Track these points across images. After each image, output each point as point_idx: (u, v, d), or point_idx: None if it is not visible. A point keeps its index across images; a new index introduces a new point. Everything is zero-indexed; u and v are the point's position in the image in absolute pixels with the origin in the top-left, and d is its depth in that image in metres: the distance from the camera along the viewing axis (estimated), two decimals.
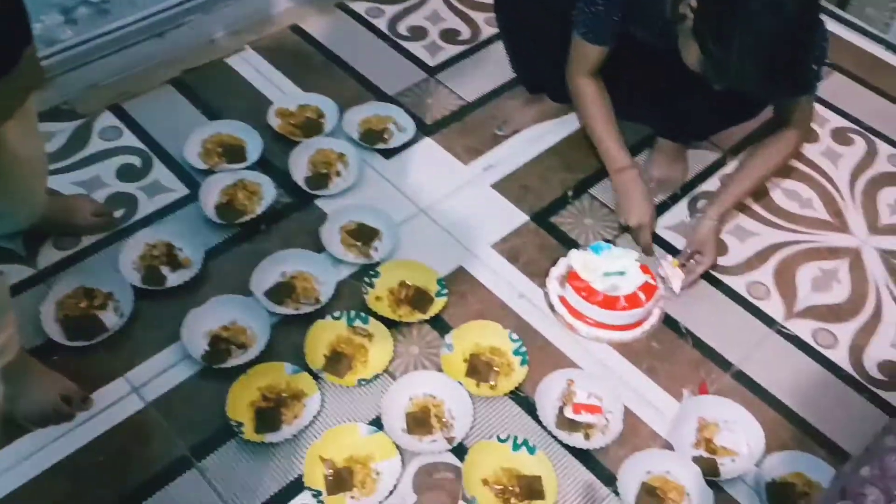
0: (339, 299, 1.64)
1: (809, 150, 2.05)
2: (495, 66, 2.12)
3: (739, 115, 1.80)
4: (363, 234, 1.75)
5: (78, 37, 1.94)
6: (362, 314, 1.60)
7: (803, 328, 1.69)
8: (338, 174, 1.86)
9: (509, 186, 1.90)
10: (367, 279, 1.66)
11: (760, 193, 1.93)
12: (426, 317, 1.62)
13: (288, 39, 2.17)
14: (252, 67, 2.08)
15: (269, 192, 1.78)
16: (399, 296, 1.65)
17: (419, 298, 1.65)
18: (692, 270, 1.73)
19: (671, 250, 1.80)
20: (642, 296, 1.61)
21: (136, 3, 1.99)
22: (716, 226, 1.75)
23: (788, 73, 1.42)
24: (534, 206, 1.86)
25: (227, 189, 1.78)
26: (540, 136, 2.01)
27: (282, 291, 1.62)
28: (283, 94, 2.02)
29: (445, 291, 1.65)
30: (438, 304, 1.64)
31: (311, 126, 1.94)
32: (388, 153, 1.93)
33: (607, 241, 1.78)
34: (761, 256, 1.81)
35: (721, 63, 1.41)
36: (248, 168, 1.83)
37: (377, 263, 1.69)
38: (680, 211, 1.89)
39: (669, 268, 1.73)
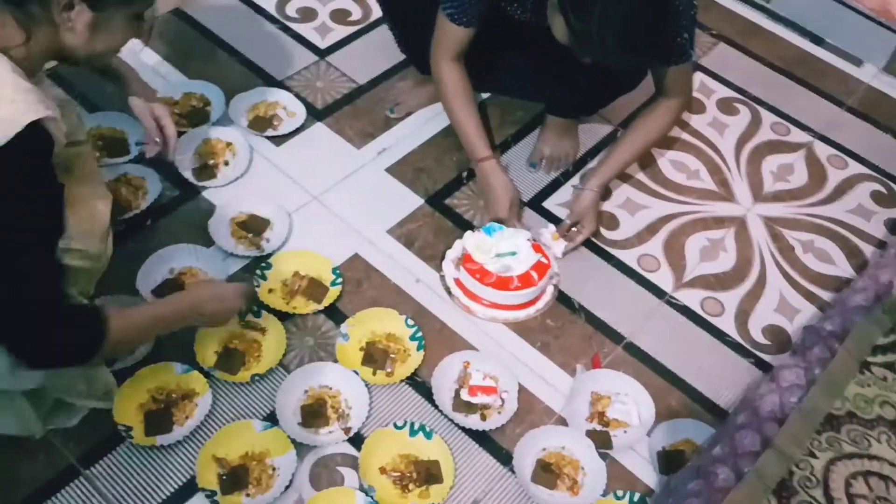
0: None
1: (696, 120, 2.10)
2: (386, 48, 2.09)
3: (621, 87, 1.82)
4: (254, 226, 1.71)
5: None
6: (254, 308, 1.57)
7: (692, 298, 1.74)
8: (226, 164, 1.81)
9: (403, 170, 1.89)
10: (258, 272, 1.63)
11: (648, 165, 1.97)
12: (321, 307, 1.60)
13: (170, 24, 2.10)
14: (132, 54, 1.99)
15: (154, 186, 1.73)
16: (293, 287, 1.62)
17: (313, 288, 1.63)
18: (572, 239, 1.75)
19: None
20: (535, 275, 1.63)
21: None
22: (595, 196, 1.77)
23: (651, 44, 1.45)
24: (429, 189, 1.86)
25: (109, 184, 1.71)
26: (433, 117, 2.00)
27: (169, 289, 1.58)
28: (167, 82, 1.96)
29: (340, 280, 1.64)
30: (333, 294, 1.62)
31: (197, 115, 1.88)
32: (279, 140, 1.89)
33: (499, 220, 1.79)
34: (651, 229, 1.86)
35: (583, 36, 1.42)
36: (130, 161, 1.77)
37: (269, 255, 1.67)
38: (571, 187, 1.91)
39: (549, 238, 1.75)
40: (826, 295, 1.78)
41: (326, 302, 1.61)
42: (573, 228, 1.76)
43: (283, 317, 1.57)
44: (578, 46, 1.45)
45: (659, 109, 1.75)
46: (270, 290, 1.62)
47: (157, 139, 1.57)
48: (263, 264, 1.65)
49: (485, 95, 2.07)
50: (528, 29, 1.68)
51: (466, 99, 1.76)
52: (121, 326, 1.20)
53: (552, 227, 1.77)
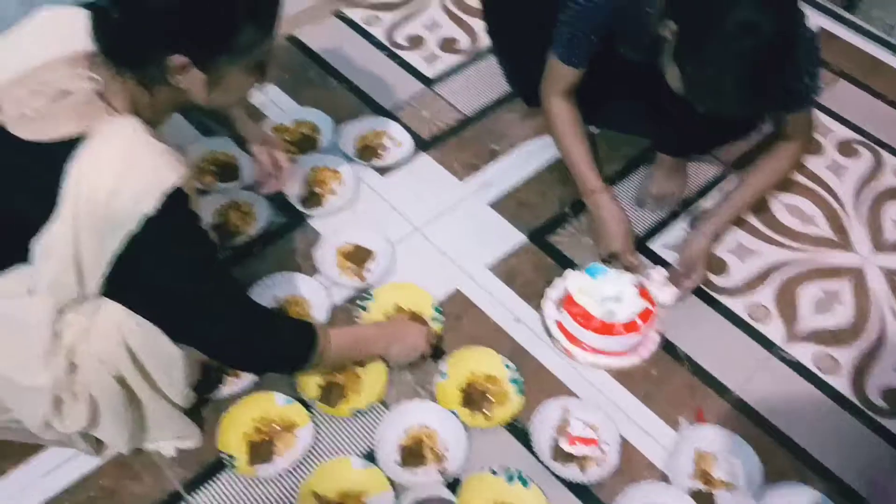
0: (332, 324, 1.62)
1: (813, 162, 2.02)
2: (493, 77, 2.09)
3: (738, 132, 1.76)
4: (357, 256, 1.73)
5: None
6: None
7: (804, 352, 1.67)
8: (332, 192, 1.83)
9: (506, 204, 1.87)
10: (360, 302, 1.64)
11: (761, 208, 1.90)
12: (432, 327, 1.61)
13: (283, 50, 2.14)
14: None
15: (262, 212, 1.76)
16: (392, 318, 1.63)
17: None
18: (681, 287, 1.70)
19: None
20: (639, 321, 1.59)
21: None
22: (708, 243, 1.71)
23: (772, 92, 1.39)
24: (531, 225, 1.84)
25: (221, 210, 1.76)
26: (537, 150, 1.97)
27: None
28: (279, 108, 1.99)
29: (442, 318, 1.63)
30: (434, 329, 1.62)
31: (307, 142, 1.92)
32: (384, 170, 1.90)
33: (605, 260, 1.76)
34: (762, 276, 1.79)
35: (699, 87, 1.38)
36: (242, 188, 1.81)
37: (371, 286, 1.68)
38: (680, 228, 1.86)
39: (658, 282, 1.70)
40: None
41: None
42: (682, 275, 1.71)
43: None
44: (694, 97, 1.41)
45: (778, 153, 1.68)
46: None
47: (275, 176, 1.60)
48: (366, 295, 1.66)
49: (591, 129, 2.03)
50: (640, 69, 1.64)
51: (577, 132, 1.74)
52: (327, 341, 1.35)
53: (662, 270, 1.71)
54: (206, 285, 1.17)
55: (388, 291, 1.67)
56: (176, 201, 1.08)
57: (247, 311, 1.24)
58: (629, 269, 1.69)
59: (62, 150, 1.05)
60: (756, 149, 1.94)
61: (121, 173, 1.04)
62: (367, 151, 1.91)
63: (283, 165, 1.63)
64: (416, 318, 1.63)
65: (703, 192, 1.93)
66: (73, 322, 1.14)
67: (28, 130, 1.07)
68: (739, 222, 1.86)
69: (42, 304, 1.11)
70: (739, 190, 1.73)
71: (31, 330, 1.12)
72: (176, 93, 1.15)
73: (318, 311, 1.62)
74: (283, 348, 1.32)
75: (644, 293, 1.63)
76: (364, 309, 1.64)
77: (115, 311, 1.15)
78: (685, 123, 1.72)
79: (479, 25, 2.24)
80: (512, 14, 1.74)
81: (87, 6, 1.10)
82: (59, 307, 1.12)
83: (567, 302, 1.62)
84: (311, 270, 1.69)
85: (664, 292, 1.67)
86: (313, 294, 1.65)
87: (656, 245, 1.82)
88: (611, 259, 1.71)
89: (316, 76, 2.09)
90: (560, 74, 1.68)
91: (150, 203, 1.05)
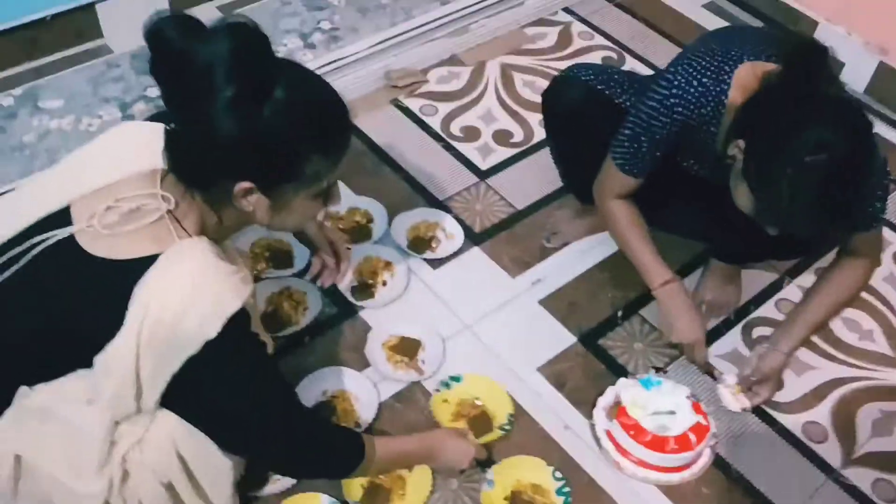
0: (379, 421, 1.60)
1: None
2: (546, 172, 2.08)
3: (798, 250, 1.73)
4: (407, 348, 1.72)
5: None
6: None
7: (862, 477, 1.61)
8: (384, 284, 1.83)
9: (557, 303, 1.86)
10: (446, 380, 1.66)
11: None
12: (477, 442, 1.57)
13: None
14: None
15: (314, 302, 1.77)
16: (463, 410, 1.63)
17: (480, 422, 1.62)
18: (752, 399, 1.66)
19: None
20: (693, 437, 1.55)
21: None
22: (785, 360, 1.66)
23: (845, 214, 1.35)
24: (582, 327, 1.82)
25: (273, 297, 1.76)
26: (589, 249, 1.97)
27: (322, 413, 1.59)
28: None
29: (509, 428, 1.62)
30: (493, 436, 1.60)
31: (360, 231, 1.93)
32: (436, 263, 1.90)
33: (658, 368, 1.73)
34: (818, 393, 1.74)
35: (770, 206, 1.36)
36: (294, 275, 1.82)
37: (427, 378, 1.68)
38: (733, 338, 1.83)
39: (730, 390, 1.67)
40: None
41: (484, 440, 1.58)
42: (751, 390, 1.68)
43: None
44: (763, 217, 1.40)
45: (848, 269, 1.63)
46: (445, 401, 1.64)
47: (332, 266, 1.61)
48: (454, 377, 1.67)
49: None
50: (702, 181, 1.63)
51: (641, 227, 1.71)
52: (374, 452, 1.35)
53: (733, 377, 1.68)
54: (261, 403, 1.17)
55: (476, 382, 1.68)
56: (237, 324, 1.09)
57: (299, 426, 1.24)
58: (700, 363, 1.66)
59: (132, 270, 1.06)
60: (813, 257, 1.92)
61: (187, 298, 1.05)
62: (420, 243, 1.92)
63: (344, 259, 1.64)
64: (483, 417, 1.62)
65: (758, 300, 1.90)
66: (128, 433, 1.14)
67: (99, 247, 1.09)
68: (816, 332, 1.82)
69: (100, 416, 1.11)
70: (813, 305, 1.67)
71: (87, 438, 1.12)
72: (242, 214, 1.16)
73: (366, 409, 1.61)
74: (332, 460, 1.33)
75: (698, 407, 1.59)
76: (448, 387, 1.66)
77: (169, 422, 1.15)
78: (748, 235, 1.70)
79: (533, 119, 2.26)
80: (573, 117, 1.75)
81: (165, 124, 1.12)
82: (117, 419, 1.12)
83: (619, 413, 1.59)
84: (361, 363, 1.68)
85: (735, 399, 1.64)
86: (362, 390, 1.64)
87: (709, 355, 1.79)
88: (683, 349, 1.70)
89: (371, 164, 2.11)
90: (617, 181, 1.66)
91: (213, 328, 1.06)
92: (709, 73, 1.46)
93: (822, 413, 1.71)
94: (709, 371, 1.73)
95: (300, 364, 1.67)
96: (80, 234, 1.11)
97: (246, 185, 1.10)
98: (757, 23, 2.62)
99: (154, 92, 2.08)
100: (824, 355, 1.81)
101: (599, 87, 1.73)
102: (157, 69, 1.07)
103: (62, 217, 1.13)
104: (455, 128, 2.23)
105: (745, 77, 1.42)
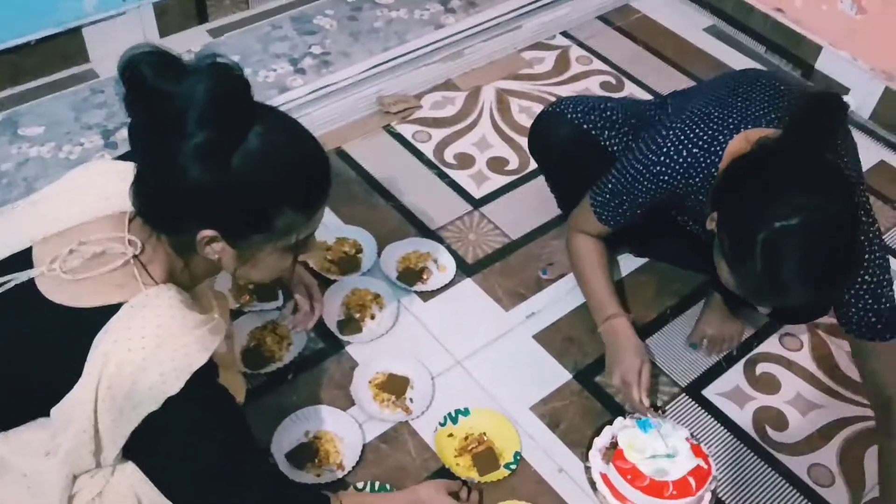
0: (363, 464, 1.53)
1: None
2: (542, 201, 2.03)
3: (806, 316, 1.66)
4: (393, 386, 1.65)
5: None
6: (386, 486, 1.49)
7: None
8: (372, 317, 1.77)
9: (552, 338, 1.79)
10: (452, 413, 1.60)
11: (823, 356, 1.79)
12: (477, 479, 1.52)
13: (332, 164, 2.11)
14: None
15: (299, 337, 1.70)
16: (469, 445, 1.56)
17: (485, 458, 1.55)
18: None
19: (723, 419, 1.67)
20: (692, 482, 1.47)
21: None
22: None
23: (831, 283, 1.24)
24: (578, 363, 1.75)
25: (256, 332, 1.70)
26: None
27: (304, 455, 1.52)
28: (322, 225, 1.94)
29: (515, 467, 1.55)
30: (499, 475, 1.53)
31: (348, 262, 1.86)
32: (427, 295, 1.84)
33: (656, 407, 1.66)
34: (824, 434, 1.67)
35: (749, 281, 1.26)
36: (278, 308, 1.75)
37: (415, 418, 1.61)
38: (735, 375, 1.76)
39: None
40: None
41: (487, 479, 1.52)
42: None
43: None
44: (746, 293, 1.30)
45: None
46: (450, 435, 1.57)
47: (307, 309, 1.54)
48: (462, 410, 1.61)
49: (642, 261, 1.96)
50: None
51: (599, 261, 1.63)
52: None
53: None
54: (221, 465, 1.09)
55: (485, 416, 1.62)
56: (201, 378, 1.02)
57: (259, 490, 1.15)
58: (636, 408, 1.57)
59: (94, 319, 1.00)
60: None
61: (150, 352, 0.99)
62: (410, 275, 1.85)
63: (318, 304, 1.56)
64: (489, 453, 1.55)
65: (762, 335, 1.83)
66: (88, 484, 1.07)
67: (61, 294, 1.03)
68: (799, 370, 1.76)
69: (58, 470, 1.04)
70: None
71: (45, 491, 1.05)
72: (209, 262, 1.10)
73: (350, 450, 1.54)
74: None
75: (698, 450, 1.52)
76: (454, 421, 1.60)
77: (130, 474, 1.08)
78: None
79: None
80: (559, 155, 1.69)
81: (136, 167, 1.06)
82: (75, 472, 1.06)
83: (616, 456, 1.52)
84: (346, 401, 1.62)
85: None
86: (346, 430, 1.57)
87: (710, 393, 1.72)
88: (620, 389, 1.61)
89: (361, 192, 2.05)
90: (591, 224, 1.60)
91: (175, 385, 1.00)
92: (701, 142, 1.39)
93: (828, 454, 1.64)
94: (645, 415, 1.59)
95: (282, 403, 1.60)
96: (41, 279, 1.05)
97: (209, 232, 1.04)
98: (759, 48, 2.57)
99: None
100: (829, 392, 1.74)
101: (586, 126, 1.67)
102: (129, 104, 1.01)
103: (23, 259, 1.07)
104: (448, 155, 2.17)
105: (739, 147, 1.33)
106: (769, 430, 1.66)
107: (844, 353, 1.81)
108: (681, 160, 1.40)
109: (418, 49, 2.34)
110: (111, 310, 1.01)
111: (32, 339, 1.03)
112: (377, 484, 1.49)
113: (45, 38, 2.07)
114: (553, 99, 2.26)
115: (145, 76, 0.97)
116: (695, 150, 1.39)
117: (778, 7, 2.48)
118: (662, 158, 1.42)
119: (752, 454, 1.62)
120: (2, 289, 1.05)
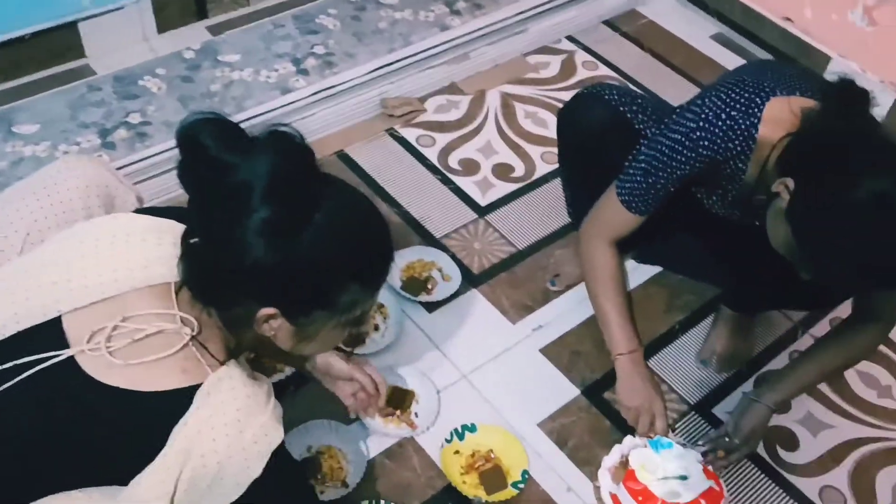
0: (368, 482, 1.49)
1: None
2: (549, 209, 2.00)
3: (816, 301, 1.63)
4: (398, 400, 1.61)
5: None
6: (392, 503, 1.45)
7: None
8: (376, 328, 1.72)
9: (559, 352, 1.75)
10: (459, 429, 1.56)
11: (835, 377, 1.76)
12: (486, 499, 1.48)
13: (333, 167, 2.06)
14: None
15: None
16: (476, 462, 1.53)
17: (493, 476, 1.51)
18: (728, 459, 1.54)
19: None
20: None
21: None
22: (769, 414, 1.54)
23: (890, 279, 1.25)
24: (586, 378, 1.71)
25: None
26: None
27: (307, 469, 1.48)
28: None
29: (523, 485, 1.51)
30: (506, 494, 1.49)
31: None
32: (432, 306, 1.79)
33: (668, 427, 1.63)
34: (835, 455, 1.64)
35: (813, 253, 1.24)
36: None
37: (420, 433, 1.57)
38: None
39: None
40: None
41: (494, 498, 1.48)
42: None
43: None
44: (803, 262, 1.27)
45: (863, 331, 1.51)
46: (456, 452, 1.54)
47: (372, 391, 1.48)
48: (470, 425, 1.57)
49: (651, 272, 1.92)
50: (719, 219, 1.53)
51: (617, 286, 1.59)
52: None
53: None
54: None
55: (492, 433, 1.58)
56: (279, 453, 1.00)
57: None
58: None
59: (160, 404, 0.95)
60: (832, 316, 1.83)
61: (234, 440, 0.95)
62: (415, 284, 1.81)
63: (381, 382, 1.48)
64: (496, 471, 1.51)
65: (772, 351, 1.80)
66: None
67: (112, 376, 0.96)
68: (810, 390, 1.73)
69: None
70: (813, 362, 1.56)
71: None
72: (261, 337, 1.04)
73: (354, 465, 1.50)
74: None
75: (710, 473, 1.49)
76: (460, 437, 1.56)
77: None
78: (764, 282, 1.59)
79: (535, 152, 2.17)
80: (591, 137, 1.62)
81: (184, 235, 1.00)
82: None
83: (627, 477, 1.48)
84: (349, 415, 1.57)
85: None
86: (349, 445, 1.53)
87: (720, 411, 1.69)
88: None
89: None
90: (617, 219, 1.53)
91: (259, 468, 0.97)
92: (739, 105, 1.34)
93: (839, 476, 1.61)
94: None
95: (284, 416, 1.55)
96: (81, 357, 0.98)
97: (270, 311, 0.99)
98: (767, 56, 2.54)
99: (136, 118, 1.97)
100: (841, 412, 1.72)
101: (622, 108, 1.62)
102: (185, 175, 0.97)
103: (52, 332, 0.99)
104: (453, 160, 2.12)
105: (778, 111, 1.31)
106: (780, 451, 1.63)
107: (855, 373, 1.78)
108: (720, 123, 1.35)
109: (423, 51, 2.29)
110: (179, 395, 0.96)
111: (86, 419, 0.96)
112: (382, 502, 1.45)
113: (40, 32, 2.01)
114: (559, 105, 2.21)
115: (207, 146, 0.93)
116: (733, 114, 1.34)
117: (787, 17, 2.46)
118: (702, 124, 1.36)
119: (763, 476, 1.59)
120: (39, 366, 0.97)
